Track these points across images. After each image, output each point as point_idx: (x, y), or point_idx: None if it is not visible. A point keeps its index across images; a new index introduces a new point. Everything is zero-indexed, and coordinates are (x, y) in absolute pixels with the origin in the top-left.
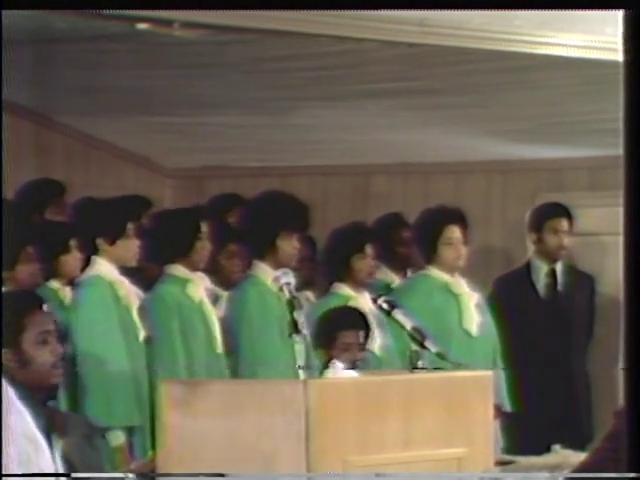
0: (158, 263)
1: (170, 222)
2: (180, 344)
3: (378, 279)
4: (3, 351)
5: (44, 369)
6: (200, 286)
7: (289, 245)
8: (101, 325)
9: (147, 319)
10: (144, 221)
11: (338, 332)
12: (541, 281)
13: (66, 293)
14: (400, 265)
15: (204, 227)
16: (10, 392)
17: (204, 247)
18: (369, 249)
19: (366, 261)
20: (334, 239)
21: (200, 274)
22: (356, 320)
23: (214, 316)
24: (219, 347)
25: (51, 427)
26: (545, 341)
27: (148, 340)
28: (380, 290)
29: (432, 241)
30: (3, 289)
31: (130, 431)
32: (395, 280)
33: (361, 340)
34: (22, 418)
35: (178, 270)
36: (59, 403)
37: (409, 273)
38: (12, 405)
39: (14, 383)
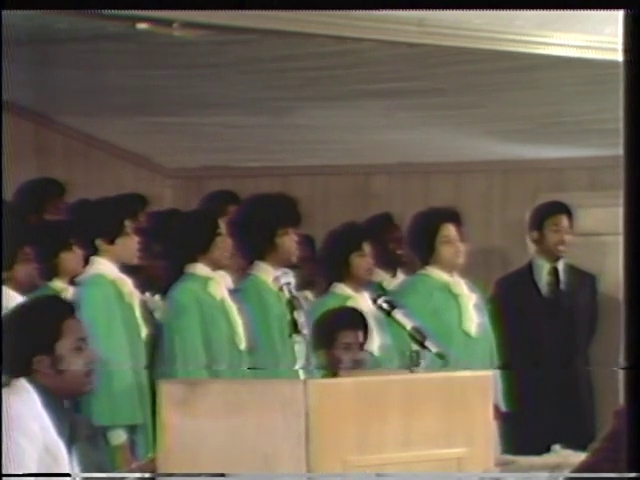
0: (179, 263)
1: (187, 222)
2: (200, 343)
3: (373, 280)
4: (38, 358)
5: (78, 376)
6: (221, 284)
7: (288, 240)
8: (104, 324)
9: (168, 318)
10: (142, 219)
11: (338, 332)
12: (543, 280)
13: (69, 293)
14: (392, 265)
15: (222, 224)
16: (35, 399)
17: (224, 244)
18: (367, 247)
19: (365, 259)
20: (331, 239)
21: (222, 272)
22: (355, 320)
23: (236, 313)
24: (242, 344)
25: (74, 435)
26: (548, 340)
27: (166, 340)
28: (375, 290)
29: (429, 241)
30: (35, 295)
31: (132, 430)
32: (387, 279)
33: (361, 340)
34: (45, 427)
35: (199, 269)
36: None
37: (399, 273)
38: (35, 413)
39: (44, 390)
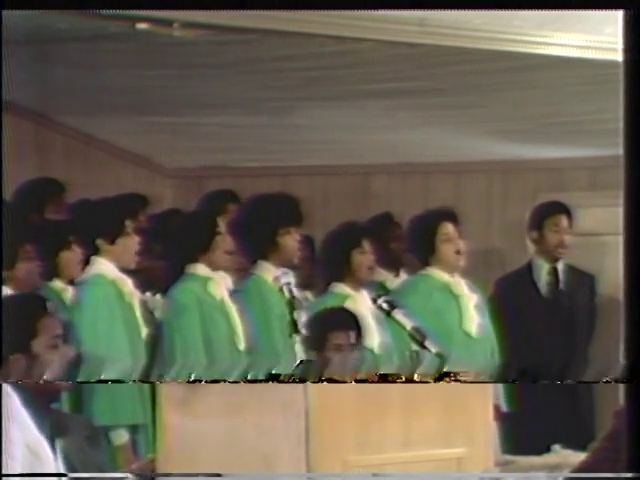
0: (179, 263)
1: (188, 222)
2: (201, 342)
3: (374, 279)
4: (14, 356)
5: (54, 373)
6: (221, 284)
7: (290, 240)
8: (104, 324)
9: (168, 318)
10: (142, 219)
11: (329, 333)
12: (543, 280)
13: (69, 293)
14: (394, 264)
15: (222, 224)
16: (13, 398)
17: (225, 243)
18: (367, 244)
19: (366, 255)
20: (331, 238)
21: (222, 273)
22: (346, 321)
23: (236, 314)
24: (242, 344)
25: (56, 431)
26: (547, 340)
27: (165, 339)
28: (376, 290)
29: (429, 240)
30: (10, 292)
31: (134, 429)
32: (389, 279)
33: (352, 340)
34: (24, 428)
35: (200, 269)
36: (62, 404)
37: (402, 272)
38: (15, 413)
39: (21, 388)
